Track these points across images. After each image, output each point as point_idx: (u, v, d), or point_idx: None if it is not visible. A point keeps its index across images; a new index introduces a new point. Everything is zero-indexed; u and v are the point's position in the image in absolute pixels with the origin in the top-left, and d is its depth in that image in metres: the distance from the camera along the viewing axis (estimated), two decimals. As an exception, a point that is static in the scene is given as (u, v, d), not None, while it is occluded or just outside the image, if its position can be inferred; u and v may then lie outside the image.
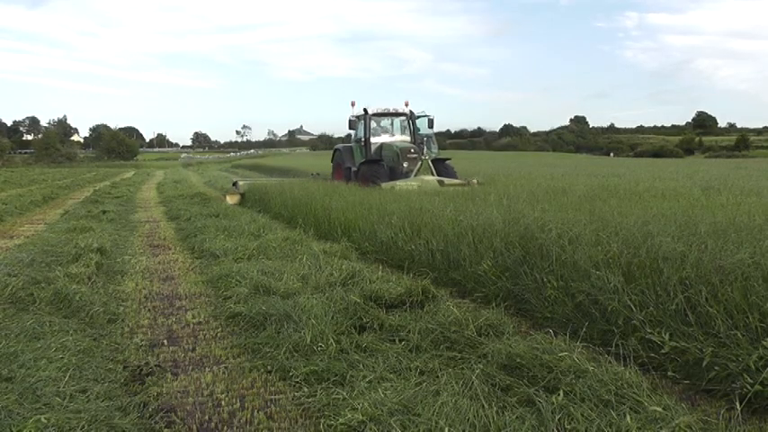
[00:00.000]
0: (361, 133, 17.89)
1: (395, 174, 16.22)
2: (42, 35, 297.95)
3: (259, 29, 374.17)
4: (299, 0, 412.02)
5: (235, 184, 19.30)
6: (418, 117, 18.08)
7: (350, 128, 18.08)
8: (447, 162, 17.23)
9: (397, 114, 18.27)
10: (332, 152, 20.57)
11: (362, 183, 15.53)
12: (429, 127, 17.89)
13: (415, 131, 17.98)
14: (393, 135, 18.40)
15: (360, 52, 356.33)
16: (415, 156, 16.36)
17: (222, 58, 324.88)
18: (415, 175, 15.71)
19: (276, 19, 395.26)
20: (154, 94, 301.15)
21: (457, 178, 16.14)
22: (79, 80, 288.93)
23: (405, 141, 17.72)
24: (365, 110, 17.68)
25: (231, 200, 16.76)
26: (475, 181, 16.01)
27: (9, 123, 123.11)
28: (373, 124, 17.91)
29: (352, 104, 18.38)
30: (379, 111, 17.87)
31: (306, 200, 12.21)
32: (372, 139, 17.56)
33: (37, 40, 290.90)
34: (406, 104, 18.26)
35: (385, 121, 18.65)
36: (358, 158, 17.75)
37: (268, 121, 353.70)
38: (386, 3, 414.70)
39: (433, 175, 15.75)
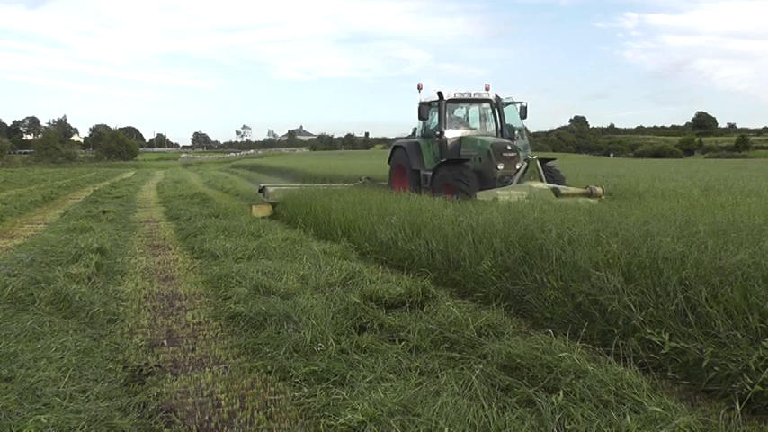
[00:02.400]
0: (434, 125, 13.91)
1: (483, 179, 12.12)
2: (42, 35, 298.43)
3: (259, 29, 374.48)
4: (299, 0, 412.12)
5: (262, 190, 14.89)
6: (506, 104, 13.98)
7: (420, 117, 13.77)
8: (550, 163, 13.11)
9: (480, 100, 14.00)
10: (390, 151, 15.78)
11: (443, 191, 11.73)
12: (522, 117, 13.86)
13: (503, 123, 13.73)
14: (473, 127, 14.23)
15: (360, 53, 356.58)
16: (512, 155, 12.26)
17: (222, 59, 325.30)
18: (519, 182, 11.91)
19: (276, 19, 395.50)
20: (154, 94, 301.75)
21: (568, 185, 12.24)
22: (79, 80, 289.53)
23: (490, 135, 13.65)
24: (440, 93, 13.43)
25: (258, 212, 13.16)
26: (599, 190, 11.59)
27: (9, 123, 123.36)
28: (446, 114, 13.74)
29: (419, 88, 14.25)
30: (457, 95, 13.66)
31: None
32: (447, 133, 13.45)
33: (37, 40, 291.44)
34: (487, 88, 14.01)
35: (460, 110, 14.40)
36: (429, 159, 13.72)
37: (268, 122, 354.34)
38: (386, 3, 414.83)
39: (541, 180, 12.09)
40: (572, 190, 11.52)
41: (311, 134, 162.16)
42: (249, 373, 4.27)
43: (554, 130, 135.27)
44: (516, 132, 13.73)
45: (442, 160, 12.98)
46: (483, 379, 3.77)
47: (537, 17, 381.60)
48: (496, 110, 13.95)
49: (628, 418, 3.09)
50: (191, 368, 4.42)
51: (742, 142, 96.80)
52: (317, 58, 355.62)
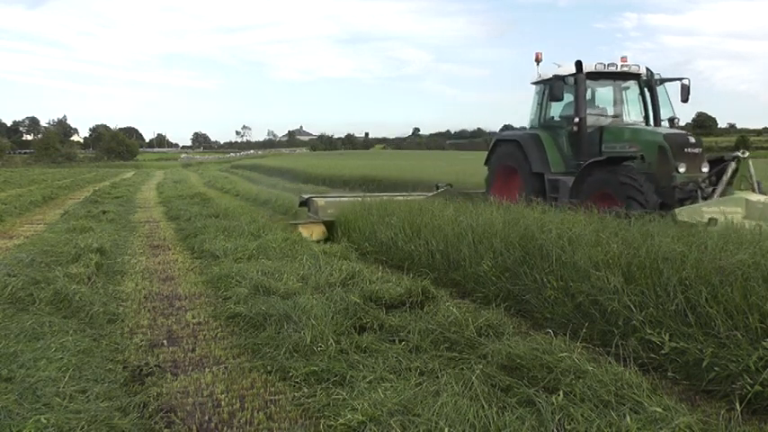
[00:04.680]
0: (568, 109, 10.26)
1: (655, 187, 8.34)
2: (42, 35, 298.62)
3: (259, 29, 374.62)
4: (299, 1, 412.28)
5: (306, 202, 11.75)
6: (662, 81, 10.25)
7: (553, 97, 9.92)
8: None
9: (628, 75, 10.20)
10: (489, 148, 11.96)
11: (598, 203, 7.65)
12: (683, 100, 10.10)
13: (656, 108, 10.21)
14: (616, 113, 10.46)
15: (360, 53, 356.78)
16: (697, 151, 8.77)
17: (222, 59, 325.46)
18: (724, 192, 8.34)
19: (276, 19, 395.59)
20: (154, 94, 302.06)
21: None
22: (79, 80, 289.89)
23: (640, 124, 10.14)
24: (579, 64, 9.71)
25: (308, 233, 10.13)
26: None
27: (9, 123, 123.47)
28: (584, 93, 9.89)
29: (538, 59, 10.84)
30: (599, 67, 9.88)
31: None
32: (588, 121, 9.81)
33: (37, 40, 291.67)
34: (623, 61, 10.12)
35: (601, 89, 10.59)
36: (555, 158, 10.15)
37: (268, 122, 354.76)
38: (386, 3, 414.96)
39: (757, 190, 8.38)
40: None
41: (311, 134, 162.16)
42: (249, 374, 4.27)
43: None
44: (676, 121, 10.27)
45: (595, 159, 9.00)
46: (483, 379, 3.77)
47: (537, 17, 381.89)
48: (646, 90, 10.25)
49: (628, 418, 3.09)
50: (191, 368, 4.42)
51: (742, 142, 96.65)
52: (317, 58, 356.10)
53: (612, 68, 9.97)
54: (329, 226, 10.38)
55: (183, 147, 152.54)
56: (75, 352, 4.26)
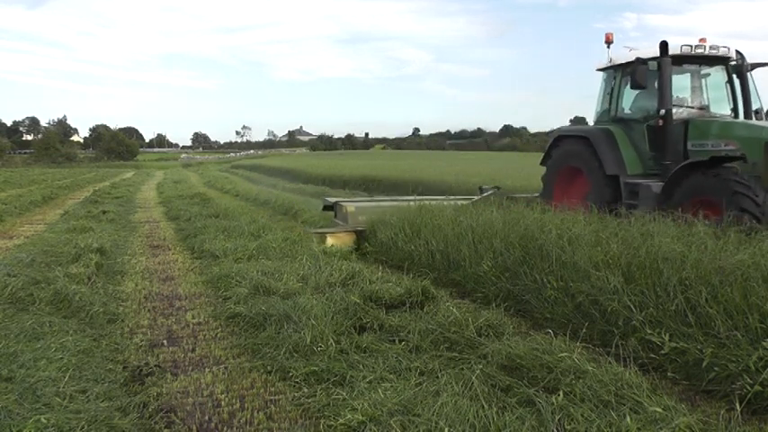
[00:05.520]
0: (643, 100, 8.93)
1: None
2: (42, 35, 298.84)
3: (259, 29, 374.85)
4: (299, 1, 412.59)
5: (333, 206, 10.58)
6: (753, 66, 8.89)
7: (635, 84, 8.33)
8: None
9: (713, 59, 8.81)
10: (548, 144, 10.39)
11: (702, 211, 6.60)
12: None
13: (747, 98, 8.84)
14: (698, 103, 8.95)
15: (359, 53, 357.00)
16: None
17: (222, 59, 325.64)
18: None
19: (276, 19, 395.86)
20: (154, 94, 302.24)
21: None
22: (79, 80, 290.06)
23: (728, 117, 8.79)
24: (664, 45, 8.23)
25: (335, 241, 9.00)
26: None
27: (9, 123, 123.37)
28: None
29: (609, 41, 9.41)
30: (684, 50, 8.48)
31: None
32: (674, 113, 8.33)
33: (37, 40, 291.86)
34: (702, 42, 8.70)
35: (677, 76, 8.75)
36: (631, 157, 8.76)
37: (268, 122, 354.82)
38: (386, 3, 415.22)
39: None
40: None
41: (311, 134, 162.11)
42: (249, 374, 4.27)
43: (554, 131, 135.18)
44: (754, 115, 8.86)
45: (695, 159, 7.57)
46: (483, 379, 3.77)
47: (537, 17, 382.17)
48: (734, 76, 8.85)
49: (628, 418, 3.09)
50: (191, 368, 4.42)
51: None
52: (317, 59, 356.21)
53: (700, 51, 8.54)
54: (359, 234, 9.13)
55: (183, 147, 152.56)
56: (75, 352, 4.26)
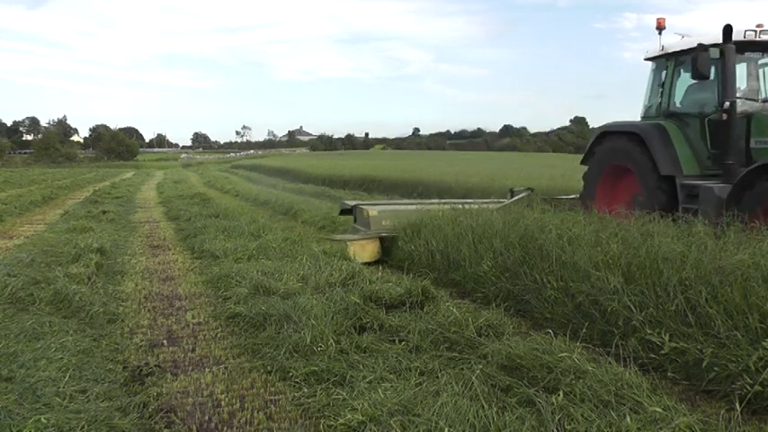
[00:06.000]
0: (706, 94, 7.92)
1: None
2: (42, 35, 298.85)
3: (258, 29, 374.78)
4: (299, 1, 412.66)
5: (352, 209, 9.78)
6: None
7: (696, 74, 7.46)
8: None
9: None
10: (590, 141, 9.29)
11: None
12: None
13: None
14: (759, 95, 8.00)
15: (359, 53, 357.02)
16: None
17: (222, 59, 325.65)
18: None
19: (276, 19, 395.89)
20: (154, 94, 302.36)
21: None
22: (79, 80, 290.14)
23: None
24: (728, 30, 7.32)
25: (360, 251, 8.19)
26: None
27: (9, 123, 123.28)
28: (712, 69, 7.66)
29: (660, 26, 8.53)
30: (748, 35, 7.64)
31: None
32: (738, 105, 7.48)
33: (37, 40, 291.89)
34: (759, 27, 7.76)
35: (740, 65, 7.85)
36: (687, 156, 7.86)
37: (268, 122, 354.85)
38: (385, 3, 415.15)
39: None
40: None
41: (311, 134, 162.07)
42: (249, 374, 4.27)
43: (554, 131, 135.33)
44: None
45: (765, 162, 6.56)
46: (483, 379, 3.77)
47: (536, 18, 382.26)
48: None
49: (628, 418, 3.09)
50: (191, 368, 4.42)
51: None
52: (317, 59, 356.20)
53: (766, 37, 7.68)
54: (382, 241, 8.40)
55: (183, 147, 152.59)
56: (75, 352, 4.26)
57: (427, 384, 3.68)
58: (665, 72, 8.53)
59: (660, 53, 8.61)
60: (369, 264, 7.67)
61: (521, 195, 10.20)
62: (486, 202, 9.49)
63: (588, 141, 9.48)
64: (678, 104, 8.40)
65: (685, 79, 8.25)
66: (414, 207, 9.14)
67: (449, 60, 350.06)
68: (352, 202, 10.17)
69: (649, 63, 8.93)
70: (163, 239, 10.86)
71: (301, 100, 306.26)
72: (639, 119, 8.91)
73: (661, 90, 8.55)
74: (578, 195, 9.50)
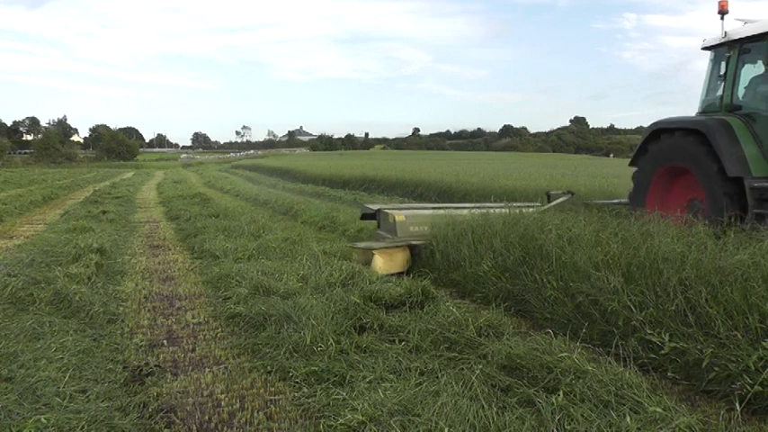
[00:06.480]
0: (748, 88, 7.58)
1: None
2: (42, 35, 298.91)
3: (259, 30, 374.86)
4: (299, 1, 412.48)
5: (375, 214, 8.90)
6: None
7: None
8: None
9: None
10: (642, 139, 8.43)
11: None
12: None
13: None
14: None
15: (359, 53, 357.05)
16: None
17: (222, 59, 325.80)
18: None
19: (276, 20, 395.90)
20: (154, 95, 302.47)
21: None
22: (79, 80, 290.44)
23: None
24: None
25: (384, 261, 7.31)
26: None
27: (9, 123, 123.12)
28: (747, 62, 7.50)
29: (723, 10, 7.72)
30: None
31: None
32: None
33: (37, 40, 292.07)
34: None
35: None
36: (755, 154, 7.13)
37: (268, 122, 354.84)
38: (385, 4, 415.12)
39: None
40: None
41: (311, 134, 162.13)
42: (249, 374, 4.27)
43: (554, 131, 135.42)
44: None
45: None
46: (483, 379, 3.77)
47: (536, 18, 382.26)
48: None
49: (628, 418, 3.09)
50: (191, 368, 4.42)
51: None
52: (317, 59, 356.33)
53: None
54: (412, 249, 7.66)
55: (183, 147, 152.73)
56: (75, 352, 4.26)
57: (427, 384, 3.68)
58: (727, 62, 7.72)
59: (722, 41, 7.74)
60: (397, 274, 7.06)
61: (561, 200, 9.45)
62: (519, 206, 8.48)
63: (640, 139, 8.52)
64: (742, 98, 7.60)
65: (750, 70, 7.53)
66: (443, 211, 8.38)
67: (448, 60, 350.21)
68: (375, 206, 9.21)
69: (707, 53, 8.16)
70: (163, 239, 10.85)
71: (301, 100, 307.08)
72: (696, 114, 8.08)
73: (722, 82, 7.75)
74: (626, 199, 8.77)
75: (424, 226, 7.92)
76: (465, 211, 8.13)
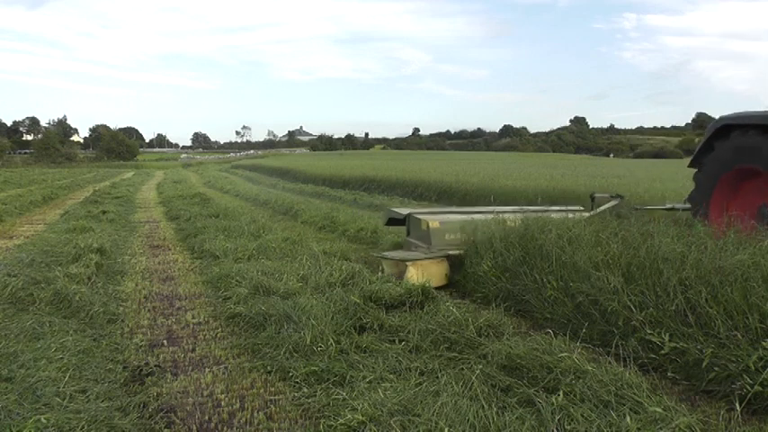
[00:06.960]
0: None
1: None
2: (42, 35, 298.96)
3: (259, 30, 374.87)
4: (299, 1, 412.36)
5: (405, 219, 7.99)
6: None
7: None
8: None
9: None
10: (705, 138, 7.50)
11: None
12: None
13: None
14: None
15: (359, 53, 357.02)
16: None
17: (222, 59, 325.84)
18: None
19: (276, 20, 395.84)
20: (154, 95, 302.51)
21: None
22: (79, 80, 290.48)
23: None
24: None
25: (418, 275, 6.38)
26: None
27: (9, 123, 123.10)
28: None
29: None
30: None
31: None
32: None
33: (37, 40, 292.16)
34: None
35: None
36: None
37: (268, 122, 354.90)
38: (385, 4, 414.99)
39: None
40: None
41: (311, 134, 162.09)
42: (249, 374, 4.27)
43: (554, 131, 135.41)
44: None
45: None
46: (483, 379, 3.77)
47: (536, 18, 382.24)
48: None
49: (628, 418, 3.09)
50: (191, 368, 4.42)
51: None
52: (317, 59, 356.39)
53: None
54: (449, 259, 6.85)
55: (183, 147, 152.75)
56: (75, 352, 4.26)
57: (427, 384, 3.68)
58: None
59: None
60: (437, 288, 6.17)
61: (609, 204, 8.54)
62: (560, 210, 7.92)
63: (703, 136, 7.62)
64: None
65: None
66: (481, 216, 7.42)
67: (448, 60, 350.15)
68: (405, 211, 8.17)
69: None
70: (163, 239, 10.85)
71: (301, 100, 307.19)
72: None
73: None
74: (672, 204, 8.15)
75: (463, 234, 7.04)
76: (509, 215, 7.26)
